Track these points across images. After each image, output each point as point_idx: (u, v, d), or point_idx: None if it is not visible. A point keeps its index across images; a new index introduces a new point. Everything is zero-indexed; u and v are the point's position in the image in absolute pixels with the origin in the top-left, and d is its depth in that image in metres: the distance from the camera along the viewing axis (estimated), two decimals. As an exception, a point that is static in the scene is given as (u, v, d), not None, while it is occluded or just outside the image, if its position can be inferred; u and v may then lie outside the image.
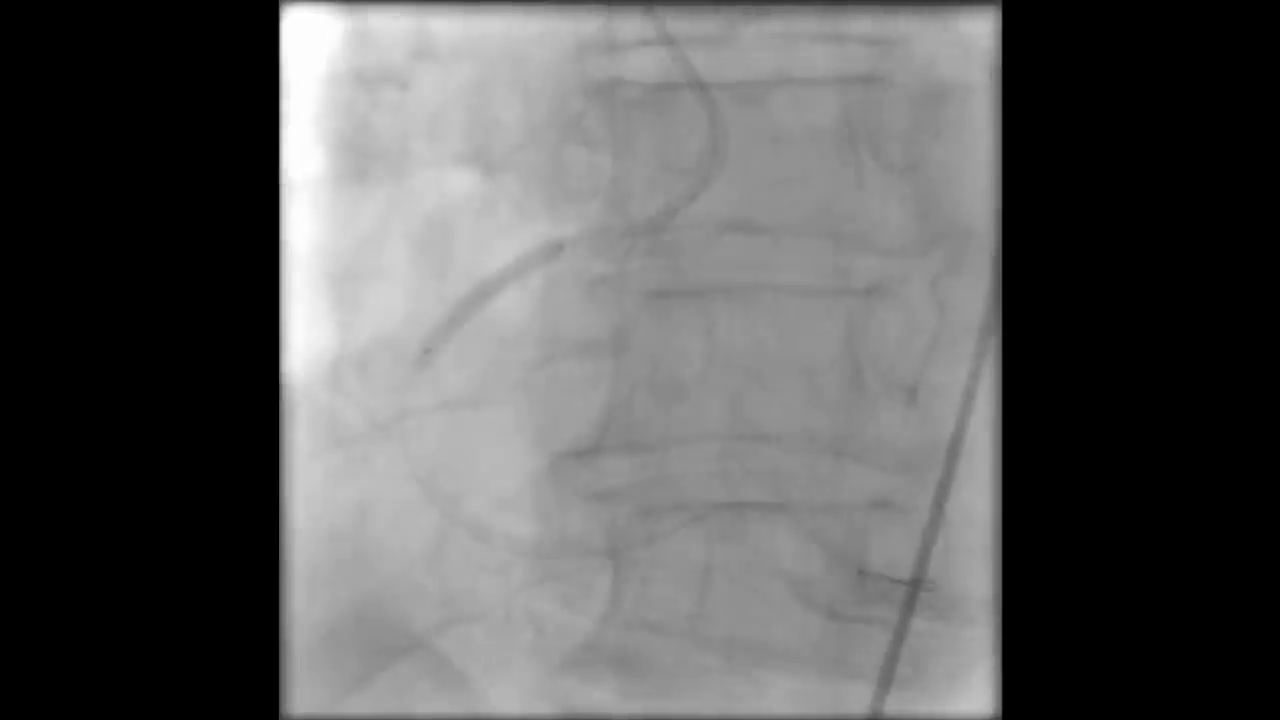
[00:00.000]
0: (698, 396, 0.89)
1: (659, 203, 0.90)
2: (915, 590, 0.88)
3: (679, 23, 0.89)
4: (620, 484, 0.89)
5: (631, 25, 0.90)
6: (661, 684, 0.89)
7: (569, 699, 0.89)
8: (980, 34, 0.88)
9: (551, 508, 0.89)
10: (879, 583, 0.88)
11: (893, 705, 0.88)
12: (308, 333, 0.90)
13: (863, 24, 0.89)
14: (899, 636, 0.88)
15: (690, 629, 0.89)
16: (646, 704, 0.89)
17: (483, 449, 0.90)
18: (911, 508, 0.88)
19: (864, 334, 0.89)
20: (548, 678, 0.89)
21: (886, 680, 0.88)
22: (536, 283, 0.90)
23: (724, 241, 0.89)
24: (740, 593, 0.89)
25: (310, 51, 0.90)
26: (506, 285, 0.87)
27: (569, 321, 0.89)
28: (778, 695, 0.88)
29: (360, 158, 0.90)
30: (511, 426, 0.89)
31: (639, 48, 0.90)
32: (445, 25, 0.90)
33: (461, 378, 0.90)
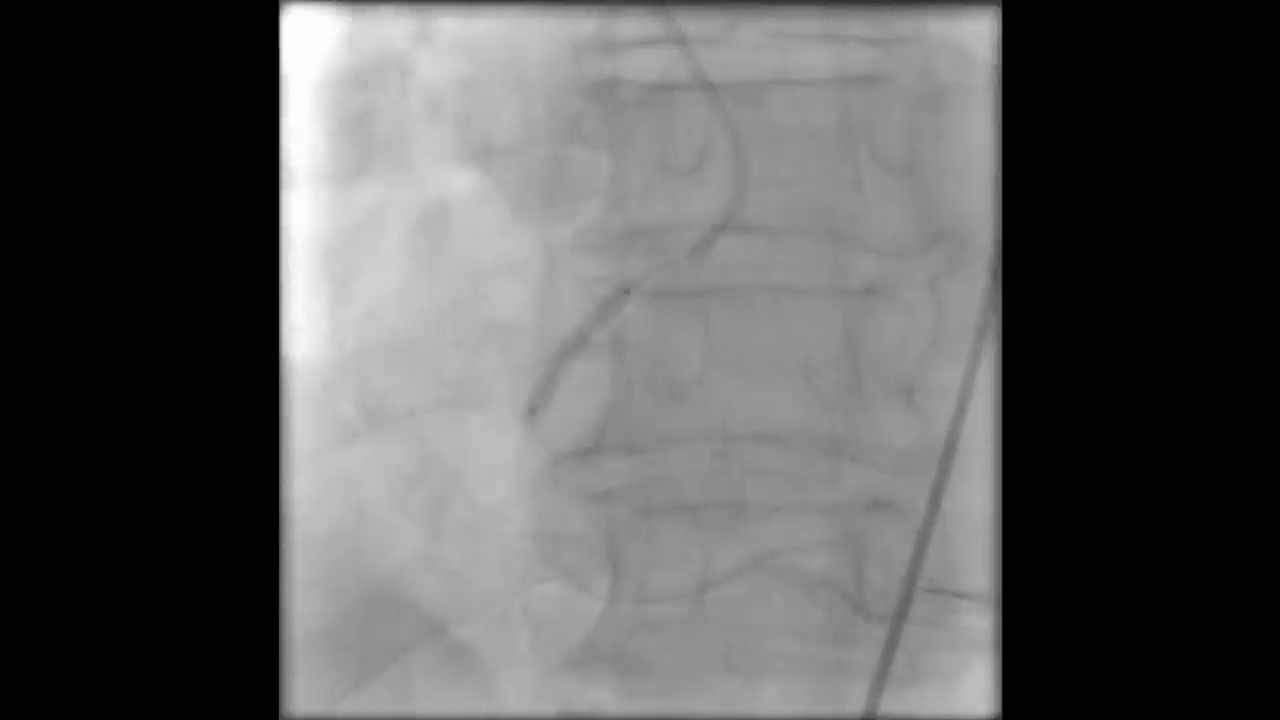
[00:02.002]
0: (696, 396, 0.89)
1: (658, 203, 0.89)
2: (955, 599, 0.88)
3: (677, 22, 0.89)
4: (619, 484, 0.89)
5: (630, 25, 0.89)
6: (660, 684, 0.89)
7: (568, 699, 0.89)
8: (980, 35, 0.88)
9: (550, 507, 0.89)
10: (938, 597, 0.88)
11: (891, 705, 0.88)
12: (306, 331, 0.90)
13: (862, 24, 0.89)
14: (893, 637, 0.88)
15: (689, 629, 0.89)
16: (645, 704, 0.89)
17: (481, 448, 0.90)
18: (910, 508, 0.88)
19: (862, 334, 0.89)
20: (547, 677, 0.89)
21: (881, 681, 0.88)
22: (535, 283, 0.89)
23: (722, 242, 0.89)
24: (739, 593, 0.89)
25: (309, 51, 0.90)
26: (592, 337, 0.87)
27: (568, 321, 0.89)
28: (776, 695, 0.89)
29: (359, 156, 0.90)
30: (510, 426, 0.89)
31: (637, 47, 0.89)
32: (444, 24, 0.90)
33: (460, 376, 0.90)
